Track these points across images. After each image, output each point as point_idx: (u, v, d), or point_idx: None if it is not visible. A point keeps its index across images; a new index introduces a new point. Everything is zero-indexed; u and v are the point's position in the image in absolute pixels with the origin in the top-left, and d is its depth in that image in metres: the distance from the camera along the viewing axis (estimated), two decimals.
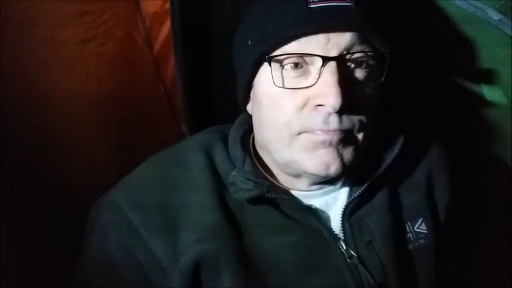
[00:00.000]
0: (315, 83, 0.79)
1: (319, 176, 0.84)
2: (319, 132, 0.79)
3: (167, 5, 1.09)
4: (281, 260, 0.83)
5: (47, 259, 0.97)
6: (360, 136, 0.82)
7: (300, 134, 0.81)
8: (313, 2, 0.78)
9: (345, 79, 0.78)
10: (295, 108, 0.80)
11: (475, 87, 1.13)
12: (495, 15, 1.00)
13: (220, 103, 1.19)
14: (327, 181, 0.88)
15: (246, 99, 0.89)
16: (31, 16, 0.98)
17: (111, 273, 0.82)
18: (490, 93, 1.13)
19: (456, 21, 1.06)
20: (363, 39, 0.79)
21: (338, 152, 0.81)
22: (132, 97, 1.14)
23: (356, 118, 0.81)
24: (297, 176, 0.87)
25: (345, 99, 0.76)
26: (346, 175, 0.91)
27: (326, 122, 0.79)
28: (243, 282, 0.81)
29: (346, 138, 0.81)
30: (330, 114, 0.78)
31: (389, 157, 0.89)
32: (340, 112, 0.78)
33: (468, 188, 1.05)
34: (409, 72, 1.09)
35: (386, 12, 0.86)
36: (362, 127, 0.82)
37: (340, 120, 0.79)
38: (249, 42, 0.83)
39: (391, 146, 0.90)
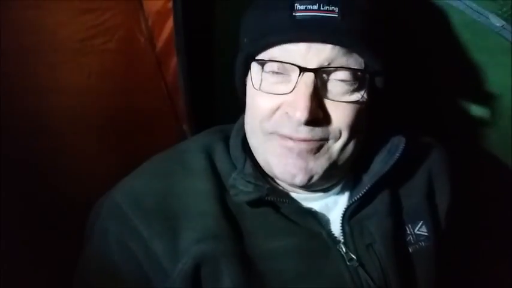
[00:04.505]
0: (291, 91, 0.79)
1: (287, 183, 0.86)
2: (289, 139, 0.81)
3: (170, 4, 1.09)
4: (281, 262, 0.83)
5: (48, 260, 0.97)
6: (335, 147, 0.83)
7: (272, 134, 0.82)
8: (298, 10, 0.78)
9: (320, 92, 0.79)
10: (268, 110, 0.82)
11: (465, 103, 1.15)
12: (497, 22, 1.00)
13: (222, 102, 1.18)
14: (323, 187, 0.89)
15: (243, 96, 0.89)
16: (33, 14, 0.98)
17: (112, 273, 0.82)
18: (476, 109, 1.15)
19: (457, 26, 1.06)
20: (347, 52, 0.79)
21: (306, 162, 0.82)
22: (134, 96, 1.14)
23: (330, 130, 0.81)
24: (277, 179, 0.88)
25: (312, 114, 0.78)
26: (346, 178, 0.92)
27: (296, 130, 0.80)
28: (243, 283, 0.81)
29: (317, 148, 0.82)
30: (299, 125, 0.79)
31: (391, 160, 0.88)
32: (310, 124, 0.79)
33: (468, 189, 1.04)
34: (408, 74, 1.08)
35: (380, 22, 0.85)
36: (337, 138, 0.82)
37: (311, 130, 0.80)
38: (244, 40, 0.86)
39: (392, 149, 0.90)
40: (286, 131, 0.81)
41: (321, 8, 0.78)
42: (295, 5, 0.78)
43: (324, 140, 0.82)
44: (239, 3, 0.88)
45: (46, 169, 1.01)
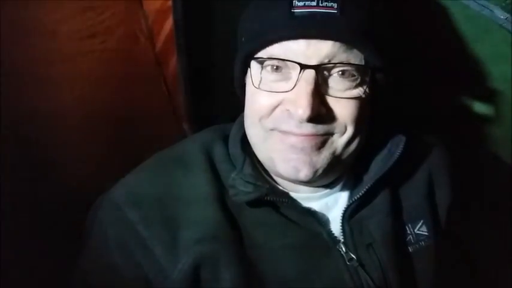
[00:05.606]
0: (292, 89, 0.79)
1: (291, 180, 0.85)
2: (291, 135, 0.81)
3: (169, 2, 1.09)
4: (281, 262, 0.83)
5: (47, 259, 0.97)
6: (341, 141, 0.83)
7: (272, 130, 0.82)
8: (297, 7, 0.78)
9: (321, 89, 0.79)
10: (268, 107, 0.81)
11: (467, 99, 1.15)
12: (501, 14, 0.99)
13: (222, 101, 1.18)
14: (324, 184, 0.89)
15: (243, 95, 0.89)
16: (33, 12, 0.98)
17: (111, 272, 0.82)
18: (478, 105, 1.14)
19: (460, 20, 1.05)
20: (347, 48, 0.79)
21: (310, 157, 0.81)
22: (134, 94, 1.14)
23: (333, 125, 0.81)
24: (280, 176, 0.87)
25: (315, 111, 0.77)
26: (346, 177, 0.91)
27: (299, 126, 0.80)
28: (243, 283, 0.81)
29: (321, 142, 0.81)
30: (301, 122, 0.79)
31: (391, 160, 0.88)
32: (312, 121, 0.79)
33: (468, 188, 1.04)
34: (410, 70, 1.08)
35: (380, 17, 0.85)
36: (343, 133, 0.82)
37: (315, 126, 0.80)
38: (243, 39, 0.85)
39: (392, 149, 0.90)
40: (287, 127, 0.81)
41: (320, 4, 0.78)
42: (294, 1, 0.78)
43: (328, 134, 0.82)
44: (239, 3, 0.88)
45: (45, 168, 1.00)
